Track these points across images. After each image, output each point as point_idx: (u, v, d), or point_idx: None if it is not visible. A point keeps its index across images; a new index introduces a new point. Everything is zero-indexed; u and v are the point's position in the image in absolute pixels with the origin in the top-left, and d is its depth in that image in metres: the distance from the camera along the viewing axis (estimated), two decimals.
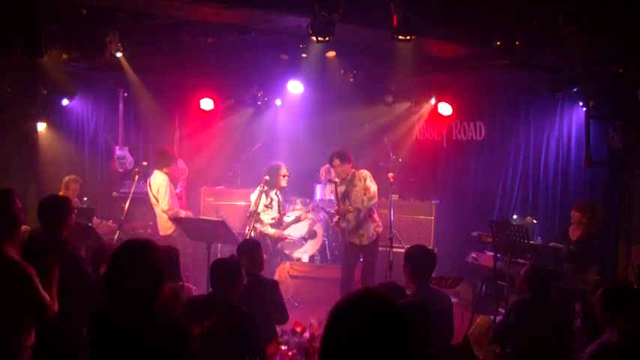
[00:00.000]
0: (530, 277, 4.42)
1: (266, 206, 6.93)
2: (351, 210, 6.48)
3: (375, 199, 6.52)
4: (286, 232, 7.31)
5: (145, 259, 2.57)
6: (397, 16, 4.95)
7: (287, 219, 7.36)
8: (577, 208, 6.47)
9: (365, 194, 6.46)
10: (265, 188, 6.84)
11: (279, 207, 7.08)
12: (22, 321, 3.16)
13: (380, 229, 6.59)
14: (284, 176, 6.99)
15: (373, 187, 6.50)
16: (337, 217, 6.60)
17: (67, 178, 7.19)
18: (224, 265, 3.90)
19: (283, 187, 7.10)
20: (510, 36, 5.65)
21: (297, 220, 7.38)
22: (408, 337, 1.55)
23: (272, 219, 6.98)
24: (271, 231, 6.89)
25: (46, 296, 3.19)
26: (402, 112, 8.71)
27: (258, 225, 6.76)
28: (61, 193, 6.89)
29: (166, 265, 4.09)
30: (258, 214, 6.80)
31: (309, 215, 7.70)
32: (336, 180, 6.65)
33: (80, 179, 7.33)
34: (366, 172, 6.61)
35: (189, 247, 6.90)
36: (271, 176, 6.86)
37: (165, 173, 7.08)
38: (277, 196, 7.06)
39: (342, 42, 6.03)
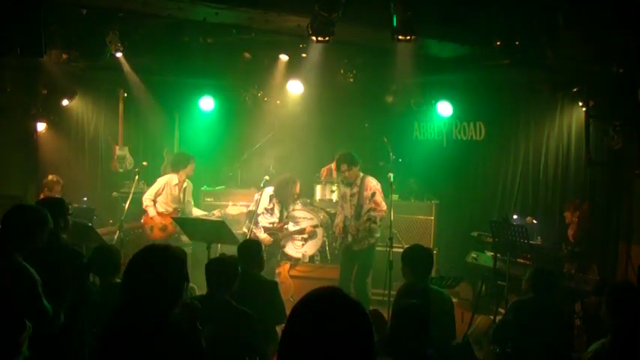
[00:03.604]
0: (534, 277, 4.44)
1: (267, 209, 6.86)
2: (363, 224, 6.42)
3: (384, 216, 6.45)
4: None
5: (165, 271, 2.48)
6: (397, 16, 4.95)
7: (291, 227, 7.30)
8: (566, 208, 6.52)
9: (374, 209, 6.39)
10: (274, 197, 6.83)
11: (281, 215, 7.00)
12: (33, 327, 3.18)
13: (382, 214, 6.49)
14: (297, 193, 6.97)
15: (384, 204, 6.44)
16: (339, 228, 6.63)
17: (50, 177, 7.00)
18: (222, 264, 3.85)
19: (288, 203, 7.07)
20: (510, 36, 5.65)
21: (301, 232, 7.32)
22: (370, 336, 1.55)
23: (270, 224, 6.91)
24: (262, 236, 6.78)
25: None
26: (402, 112, 8.70)
27: (253, 226, 6.68)
28: (42, 195, 6.72)
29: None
30: (257, 215, 6.75)
31: (315, 229, 7.61)
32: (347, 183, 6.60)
33: (62, 180, 7.05)
34: (374, 185, 6.50)
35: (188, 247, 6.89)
36: (285, 188, 6.82)
37: (181, 175, 7.15)
38: (281, 204, 6.98)
39: (342, 42, 6.03)
